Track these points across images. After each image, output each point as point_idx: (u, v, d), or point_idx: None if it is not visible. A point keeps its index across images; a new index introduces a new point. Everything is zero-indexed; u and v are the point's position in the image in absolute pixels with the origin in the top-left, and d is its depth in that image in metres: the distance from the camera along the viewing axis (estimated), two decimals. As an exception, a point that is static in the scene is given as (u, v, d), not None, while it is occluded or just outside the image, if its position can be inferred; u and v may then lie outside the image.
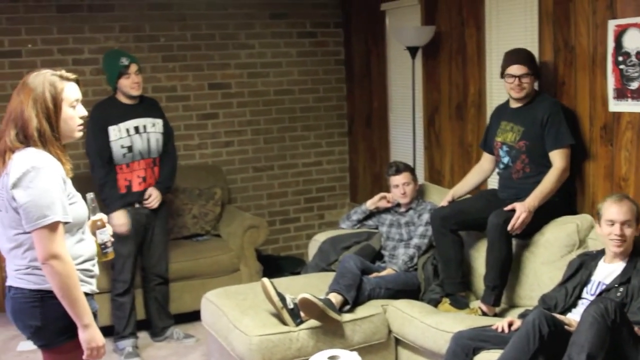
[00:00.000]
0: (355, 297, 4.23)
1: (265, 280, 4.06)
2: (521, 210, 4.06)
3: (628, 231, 3.51)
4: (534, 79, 4.29)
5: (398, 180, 4.86)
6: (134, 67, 4.78)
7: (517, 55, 4.32)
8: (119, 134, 4.80)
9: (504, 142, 4.40)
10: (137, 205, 4.88)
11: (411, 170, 4.93)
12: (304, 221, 6.81)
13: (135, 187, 4.87)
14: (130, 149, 4.83)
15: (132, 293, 4.98)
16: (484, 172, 4.69)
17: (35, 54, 5.67)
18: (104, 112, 4.83)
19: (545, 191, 4.15)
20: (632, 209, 3.53)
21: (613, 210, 3.53)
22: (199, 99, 6.26)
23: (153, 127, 4.95)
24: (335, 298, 4.13)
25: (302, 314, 4.02)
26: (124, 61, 4.74)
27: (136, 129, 4.86)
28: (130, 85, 4.78)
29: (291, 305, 4.02)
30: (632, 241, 3.55)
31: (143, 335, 5.17)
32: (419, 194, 5.00)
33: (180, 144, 6.16)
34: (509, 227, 4.07)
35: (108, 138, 4.78)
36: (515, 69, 4.28)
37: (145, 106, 4.97)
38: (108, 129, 4.77)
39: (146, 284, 5.14)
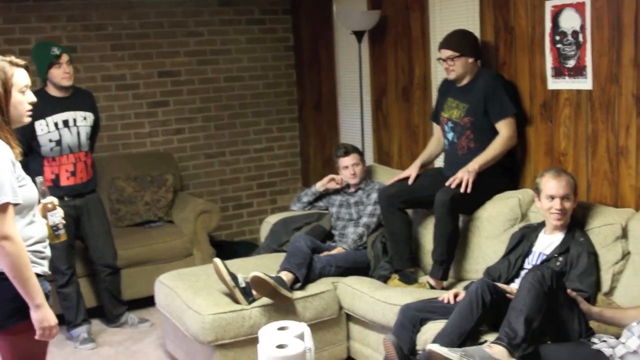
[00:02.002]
0: (306, 275, 4.32)
1: (217, 260, 4.13)
2: (462, 172, 4.20)
3: (567, 204, 3.65)
4: (464, 59, 4.38)
5: (347, 161, 4.96)
6: (65, 57, 4.67)
7: (444, 40, 4.44)
8: (46, 128, 4.68)
9: (449, 119, 4.51)
10: (66, 199, 4.76)
11: (359, 151, 5.04)
12: (256, 206, 6.87)
13: (64, 181, 4.77)
14: (58, 142, 4.72)
15: (76, 282, 4.94)
16: (441, 142, 4.74)
17: (-19, 43, 5.63)
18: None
19: (489, 156, 4.27)
20: (570, 182, 3.67)
21: (552, 185, 3.67)
22: (148, 87, 6.27)
23: (84, 120, 4.85)
24: (286, 276, 4.21)
25: (254, 292, 4.10)
26: (55, 51, 4.64)
27: (65, 122, 4.75)
28: (61, 75, 4.66)
29: (243, 284, 4.10)
30: (570, 213, 3.70)
31: (96, 322, 5.19)
32: (368, 175, 5.11)
33: (131, 132, 6.19)
34: (447, 182, 4.20)
35: (33, 132, 4.63)
36: (442, 53, 4.41)
37: (76, 99, 4.85)
38: (34, 124, 4.60)
39: (96, 276, 5.13)
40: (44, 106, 4.56)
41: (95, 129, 5.00)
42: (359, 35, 5.51)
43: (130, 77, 6.19)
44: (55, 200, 3.03)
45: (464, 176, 4.20)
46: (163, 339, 4.82)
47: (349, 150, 4.99)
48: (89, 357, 4.74)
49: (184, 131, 6.47)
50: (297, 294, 4.22)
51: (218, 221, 5.84)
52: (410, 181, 4.53)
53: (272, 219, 5.25)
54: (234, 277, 4.08)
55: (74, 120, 4.80)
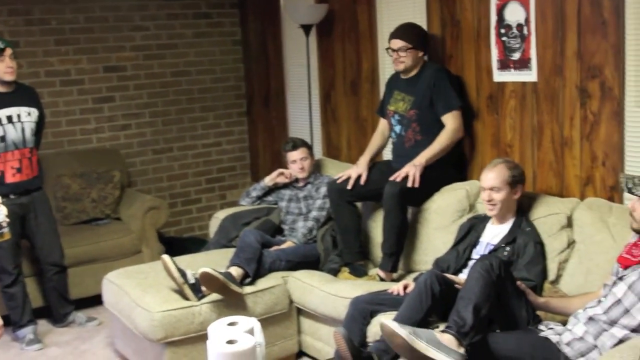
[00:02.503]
0: (256, 270, 4.30)
1: (165, 256, 4.09)
2: (408, 167, 4.22)
3: (496, 196, 3.69)
4: (414, 52, 4.41)
5: (295, 155, 4.95)
6: (8, 51, 4.58)
7: (396, 30, 4.46)
8: None
9: (395, 111, 4.53)
10: (11, 197, 4.67)
11: (307, 145, 5.03)
12: (205, 202, 6.82)
13: (9, 179, 4.67)
14: (3, 138, 4.62)
15: (22, 282, 4.85)
16: (384, 136, 4.77)
17: None
18: None
19: (435, 150, 4.30)
20: (502, 174, 3.69)
21: (483, 177, 3.75)
22: (94, 82, 6.17)
23: (28, 116, 4.76)
24: (236, 271, 4.19)
25: (203, 288, 4.07)
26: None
27: (9, 118, 4.65)
28: (4, 69, 4.57)
29: (192, 281, 4.06)
30: (508, 204, 3.73)
31: (43, 322, 5.10)
32: (317, 169, 5.10)
33: (76, 128, 6.09)
34: (391, 177, 4.22)
35: None
36: (393, 43, 4.43)
37: (20, 94, 4.77)
38: None
39: (43, 275, 5.03)
40: None
41: (40, 125, 4.90)
42: (306, 29, 5.50)
43: (75, 72, 6.08)
44: (-1, 198, 2.96)
45: (410, 170, 4.22)
46: (112, 338, 4.75)
47: (297, 144, 4.98)
48: (36, 358, 4.66)
49: (130, 127, 6.39)
50: (247, 289, 4.21)
51: (167, 217, 5.79)
52: (362, 180, 4.50)
53: (221, 214, 5.22)
54: (182, 274, 4.05)
55: (18, 116, 4.71)
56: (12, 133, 4.68)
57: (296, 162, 4.95)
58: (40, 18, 5.89)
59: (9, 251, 4.72)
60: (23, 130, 4.73)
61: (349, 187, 4.48)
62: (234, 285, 4.07)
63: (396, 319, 3.35)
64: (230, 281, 4.06)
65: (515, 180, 3.71)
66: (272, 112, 6.55)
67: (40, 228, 4.91)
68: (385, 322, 2.99)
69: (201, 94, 6.69)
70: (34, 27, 5.85)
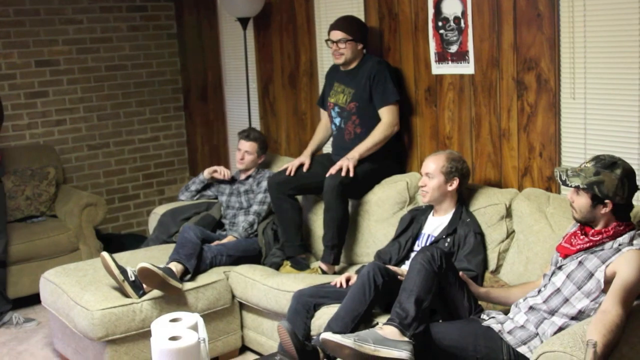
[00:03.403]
0: (197, 266, 4.27)
1: (105, 254, 4.02)
2: (343, 160, 4.25)
3: (429, 182, 3.77)
4: (354, 44, 4.42)
5: (241, 145, 4.94)
6: None
7: (336, 22, 4.46)
8: None
9: (335, 104, 4.54)
10: None
11: (260, 143, 4.96)
12: (143, 197, 6.73)
13: None
14: None
15: None
16: (327, 128, 4.77)
17: None
18: None
19: (369, 144, 4.32)
20: (439, 163, 3.77)
21: (424, 163, 3.84)
22: (25, 77, 6.02)
23: None
24: (175, 267, 4.15)
25: (144, 285, 4.01)
26: None
27: None
28: None
29: (132, 278, 4.00)
30: (441, 194, 3.79)
31: (-23, 323, 4.99)
32: (263, 166, 5.05)
33: (8, 124, 5.93)
34: (328, 172, 4.24)
35: None
36: (332, 35, 4.43)
37: None
38: None
39: None
40: None
41: None
42: (243, 22, 5.46)
43: (6, 66, 5.93)
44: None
45: (344, 163, 4.24)
46: (50, 338, 4.66)
47: (249, 136, 4.95)
48: (-29, 360, 4.55)
49: (65, 122, 6.26)
50: (189, 285, 4.16)
51: (104, 214, 5.68)
52: (305, 167, 4.51)
53: (160, 210, 5.16)
54: (123, 271, 3.99)
55: None
56: None
57: (240, 152, 4.94)
58: (-32, 11, 5.73)
59: None
60: None
61: (291, 174, 4.48)
62: (174, 280, 4.02)
63: (339, 312, 3.38)
64: (170, 276, 4.01)
65: (450, 172, 3.76)
66: (210, 106, 6.50)
67: None
68: (327, 337, 2.96)
69: (137, 88, 6.60)
70: (-40, 20, 5.70)
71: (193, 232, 4.42)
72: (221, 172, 5.03)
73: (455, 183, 3.78)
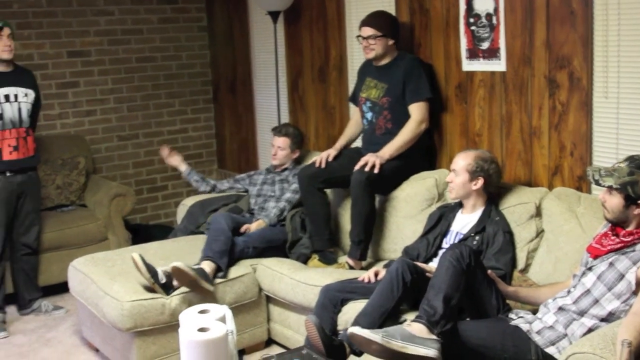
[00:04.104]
0: (228, 262, 4.28)
1: (135, 255, 4.01)
2: (370, 156, 4.24)
3: (455, 179, 3.77)
4: (385, 40, 4.41)
5: (275, 141, 4.99)
6: (7, 31, 4.65)
7: (366, 18, 4.45)
8: None
9: (367, 98, 4.53)
10: (7, 174, 4.76)
11: (294, 139, 4.99)
12: (171, 189, 6.77)
13: (6, 156, 4.74)
14: (0, 117, 4.69)
15: (3, 266, 4.86)
16: (359, 124, 4.76)
17: None
18: None
19: (399, 143, 4.31)
20: (466, 161, 3.76)
21: (454, 159, 3.83)
22: (57, 67, 6.08)
23: (25, 97, 4.83)
24: (209, 266, 4.15)
25: (174, 282, 4.03)
26: None
27: (6, 97, 4.73)
28: (1, 48, 4.65)
29: (163, 280, 4.00)
30: (466, 192, 3.78)
31: (10, 310, 5.04)
32: (297, 161, 5.06)
33: (40, 113, 5.97)
34: (356, 167, 4.24)
35: None
36: (363, 31, 4.42)
37: (18, 75, 4.84)
38: None
39: (13, 254, 5.00)
40: None
41: (36, 107, 4.97)
42: (274, 15, 5.47)
43: (38, 57, 5.99)
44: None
45: (370, 159, 4.24)
46: (78, 326, 4.71)
47: (282, 132, 4.99)
48: (1, 346, 4.60)
49: (95, 113, 6.32)
50: (216, 280, 4.18)
51: (133, 205, 5.73)
52: (331, 157, 4.52)
53: (188, 202, 5.19)
54: (153, 274, 3.98)
55: (15, 96, 4.78)
56: (9, 112, 4.74)
57: (273, 147, 5.00)
58: (2, 1, 5.78)
59: (0, 231, 4.78)
60: (20, 110, 4.79)
61: (322, 165, 4.49)
62: (206, 282, 4.03)
63: (367, 308, 3.39)
64: (202, 278, 4.02)
65: (475, 171, 3.74)
66: (239, 99, 6.52)
67: (25, 207, 4.95)
68: (355, 331, 2.98)
69: (167, 80, 6.64)
70: (-5, 11, 5.75)
71: (224, 221, 4.43)
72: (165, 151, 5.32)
73: (480, 183, 3.76)
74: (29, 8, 5.91)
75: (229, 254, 4.29)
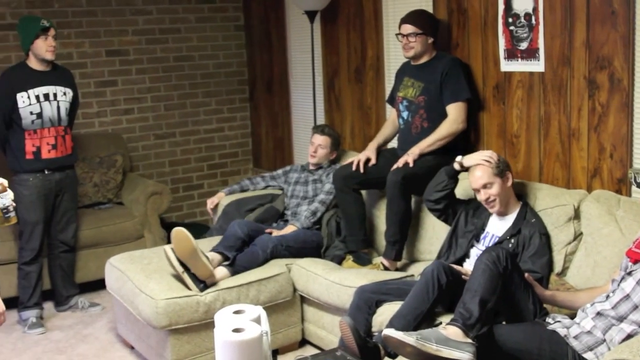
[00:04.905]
0: (236, 256, 4.30)
1: (167, 247, 4.06)
2: (404, 157, 4.23)
3: (492, 191, 3.68)
4: (424, 38, 4.39)
5: (315, 139, 4.99)
6: (52, 31, 4.72)
7: (407, 16, 4.43)
8: (27, 101, 4.72)
9: (404, 97, 4.51)
10: (46, 172, 4.83)
11: (333, 139, 4.99)
12: (207, 188, 6.80)
13: (45, 154, 4.80)
14: (39, 115, 4.76)
15: (40, 262, 4.93)
16: (395, 125, 4.73)
17: None
18: (13, 79, 4.76)
19: (432, 140, 4.29)
20: (487, 169, 3.69)
21: (471, 180, 3.75)
22: (96, 66, 6.14)
23: (64, 95, 4.89)
24: (212, 255, 4.23)
25: (175, 250, 4.03)
26: (45, 23, 4.68)
27: (46, 96, 4.79)
28: (46, 47, 4.71)
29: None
30: (506, 194, 3.71)
31: (47, 306, 5.11)
32: (333, 161, 5.06)
33: (78, 112, 6.01)
34: (392, 168, 4.22)
35: (14, 104, 4.70)
36: (403, 29, 4.40)
37: (57, 74, 4.91)
38: (16, 96, 4.70)
39: (51, 251, 5.07)
40: (26, 79, 4.76)
41: (74, 105, 5.04)
42: (311, 15, 5.46)
43: (77, 55, 6.06)
44: (5, 182, 2.97)
45: (403, 159, 4.24)
46: (114, 323, 4.75)
47: (324, 131, 5.00)
48: (39, 342, 4.66)
49: (133, 111, 6.37)
50: (251, 277, 4.20)
51: (169, 203, 5.77)
52: (371, 163, 4.50)
53: (224, 200, 5.20)
54: (183, 264, 4.02)
55: (54, 95, 4.85)
56: (48, 110, 4.81)
57: (313, 145, 5.00)
58: (43, 1, 5.85)
59: (38, 227, 4.84)
60: (58, 108, 4.86)
61: (359, 170, 4.48)
62: (205, 258, 4.06)
63: (402, 310, 3.37)
64: (202, 254, 4.05)
65: (501, 169, 3.70)
66: (275, 98, 6.52)
67: (63, 205, 5.01)
68: (389, 333, 2.96)
69: (204, 79, 6.67)
70: (36, 10, 5.81)
71: (238, 227, 4.49)
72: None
73: (510, 176, 3.73)
74: (69, 7, 5.97)
75: (237, 250, 4.34)
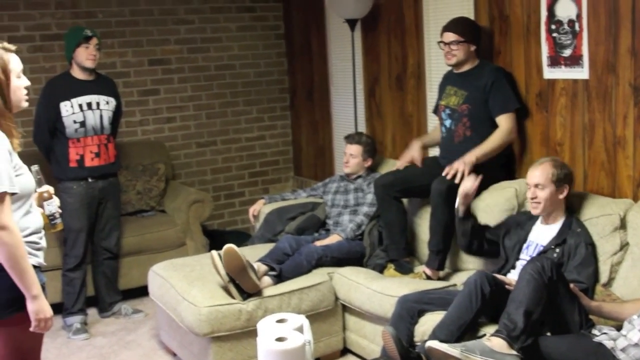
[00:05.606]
0: (281, 269, 4.30)
1: (214, 253, 4.07)
2: (458, 163, 4.19)
3: (541, 194, 3.63)
4: (466, 46, 4.36)
5: (347, 149, 4.99)
6: (95, 41, 4.80)
7: (448, 24, 4.41)
8: (71, 110, 4.80)
9: (447, 106, 4.49)
10: (89, 180, 4.90)
11: (366, 147, 4.95)
12: (248, 195, 6.83)
13: (88, 162, 4.88)
14: (82, 124, 4.84)
15: (84, 269, 5.00)
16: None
17: (-31, 32, 5.56)
18: (57, 88, 4.85)
19: (487, 149, 4.25)
20: (548, 172, 3.63)
21: (529, 174, 3.70)
22: (139, 75, 6.22)
23: (107, 104, 4.96)
24: (258, 266, 4.22)
25: (224, 264, 4.03)
26: (88, 32, 4.78)
27: (89, 104, 4.87)
28: (86, 56, 4.79)
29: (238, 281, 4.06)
30: (553, 203, 3.66)
31: (91, 312, 5.17)
32: (371, 169, 5.04)
33: (122, 120, 6.10)
34: (443, 173, 4.19)
35: (58, 113, 4.79)
36: (445, 37, 4.38)
37: (100, 83, 4.99)
38: (59, 105, 4.78)
39: (95, 258, 5.13)
40: (69, 88, 4.85)
41: (117, 114, 5.11)
42: (351, 23, 5.47)
43: (121, 65, 6.14)
44: (51, 189, 3.01)
45: (460, 167, 4.17)
46: (157, 330, 4.79)
47: (354, 140, 4.98)
48: (83, 348, 4.72)
49: (175, 120, 6.43)
50: (293, 286, 4.21)
51: (211, 211, 5.82)
52: (419, 163, 4.53)
53: (266, 209, 5.22)
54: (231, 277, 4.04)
55: (97, 104, 4.93)
56: (91, 119, 4.89)
57: (345, 155, 4.99)
58: (87, 11, 5.94)
59: (81, 234, 4.92)
60: (101, 117, 4.94)
61: (401, 167, 4.52)
62: (253, 273, 4.06)
63: (445, 320, 3.34)
64: (251, 269, 4.06)
65: (560, 179, 3.64)
66: (316, 106, 6.54)
67: (106, 212, 5.08)
68: (433, 345, 2.95)
69: (245, 87, 6.71)
70: (80, 20, 5.90)
71: (288, 243, 4.52)
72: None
73: (566, 191, 3.66)
74: (113, 17, 6.06)
75: (282, 263, 4.35)
